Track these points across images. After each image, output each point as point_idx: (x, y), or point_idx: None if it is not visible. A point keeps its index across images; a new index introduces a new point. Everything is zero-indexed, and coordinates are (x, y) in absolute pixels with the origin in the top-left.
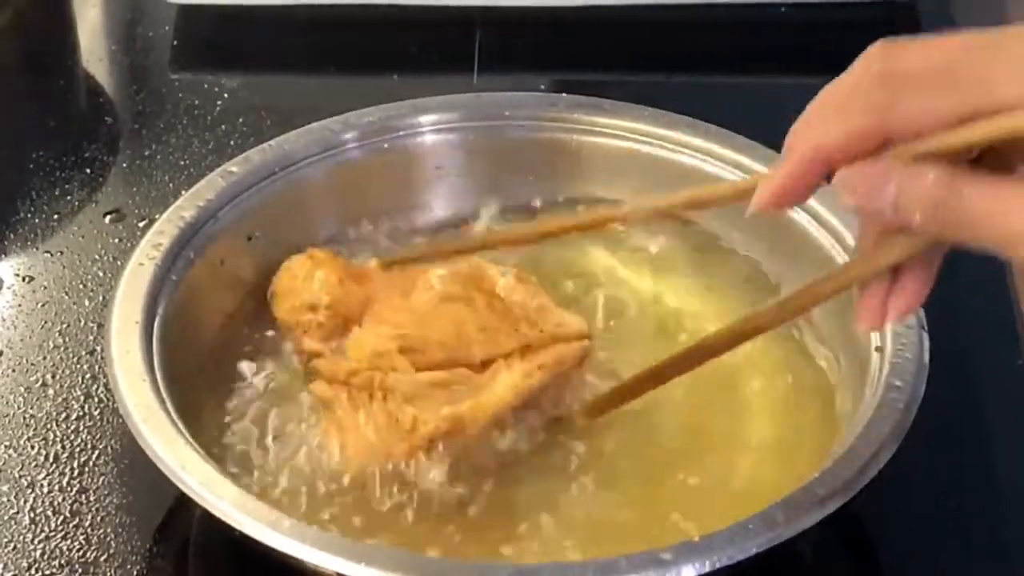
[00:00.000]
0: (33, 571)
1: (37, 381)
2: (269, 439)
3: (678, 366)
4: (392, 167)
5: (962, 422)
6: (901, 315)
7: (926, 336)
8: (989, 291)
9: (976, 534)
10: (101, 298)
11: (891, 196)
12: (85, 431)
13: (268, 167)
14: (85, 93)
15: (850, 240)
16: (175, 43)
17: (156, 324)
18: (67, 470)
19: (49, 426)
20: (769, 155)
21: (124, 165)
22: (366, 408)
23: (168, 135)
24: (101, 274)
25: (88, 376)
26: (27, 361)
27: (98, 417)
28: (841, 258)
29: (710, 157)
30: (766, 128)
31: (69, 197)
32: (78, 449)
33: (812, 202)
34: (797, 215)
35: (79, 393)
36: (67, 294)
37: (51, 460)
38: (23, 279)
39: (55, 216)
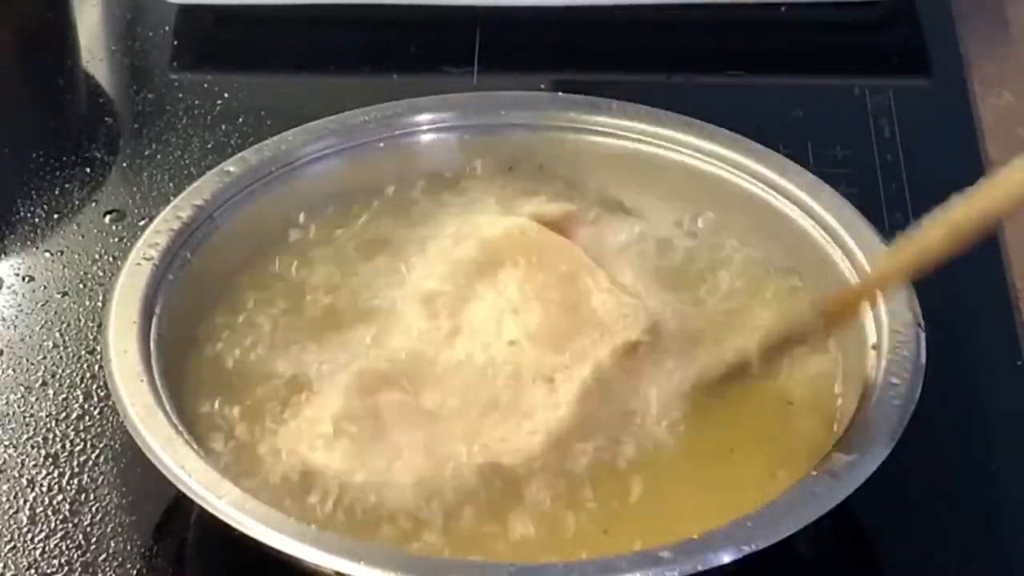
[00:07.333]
0: (32, 570)
1: (37, 381)
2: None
3: None
4: (390, 166)
5: (962, 422)
6: None
7: (923, 334)
8: (989, 291)
9: (975, 533)
10: (101, 298)
11: None
12: (85, 431)
13: (264, 166)
14: (85, 93)
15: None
16: (175, 43)
17: (153, 324)
18: (66, 469)
19: (49, 426)
20: (769, 155)
21: (124, 165)
22: None
23: (168, 135)
24: (101, 274)
25: (88, 376)
26: (27, 361)
27: (98, 417)
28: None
29: (710, 157)
30: (766, 128)
31: (69, 197)
32: (78, 449)
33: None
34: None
35: (79, 393)
36: (67, 294)
37: (51, 459)
38: (23, 279)
39: (55, 216)
